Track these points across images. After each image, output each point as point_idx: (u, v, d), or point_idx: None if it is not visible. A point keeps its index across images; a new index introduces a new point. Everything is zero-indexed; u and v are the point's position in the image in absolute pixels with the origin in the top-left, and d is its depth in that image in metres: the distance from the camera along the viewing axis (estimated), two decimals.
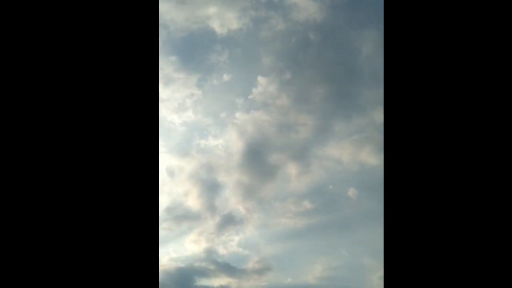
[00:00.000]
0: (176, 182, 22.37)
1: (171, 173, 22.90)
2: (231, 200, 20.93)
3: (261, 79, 20.78)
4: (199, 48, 22.29)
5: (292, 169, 18.18)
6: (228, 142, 21.92)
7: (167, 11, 20.50)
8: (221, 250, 18.84)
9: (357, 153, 17.90)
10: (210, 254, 20.38)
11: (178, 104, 22.48)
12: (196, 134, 23.07)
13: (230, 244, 18.80)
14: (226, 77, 21.64)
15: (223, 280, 18.07)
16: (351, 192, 17.36)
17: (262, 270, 16.92)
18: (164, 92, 22.19)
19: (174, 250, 21.89)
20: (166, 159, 22.06)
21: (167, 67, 21.87)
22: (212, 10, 18.70)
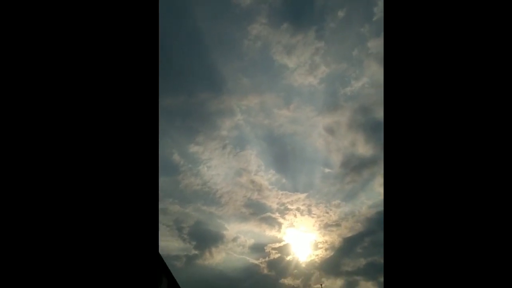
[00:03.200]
0: (339, 137, 21.64)
1: (330, 131, 21.85)
2: None
3: None
4: (302, 0, 19.78)
5: None
6: (372, 77, 19.95)
7: None
8: None
9: None
10: None
11: (308, 66, 21.08)
12: (338, 84, 21.47)
13: None
14: (340, 13, 18.98)
15: None
16: None
17: None
18: (291, 61, 20.70)
19: (367, 198, 21.84)
20: (320, 121, 20.97)
21: (283, 37, 20.24)
22: None
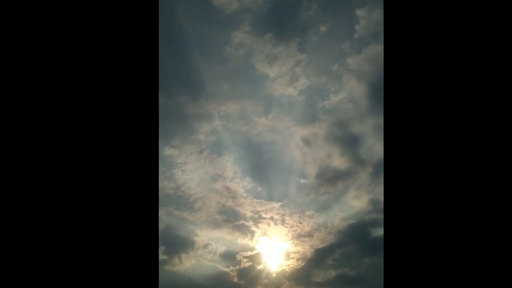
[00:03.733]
0: (315, 149, 21.91)
1: (307, 142, 22.32)
2: (376, 146, 19.73)
3: (360, 12, 18.32)
4: (286, 12, 20.70)
5: None
6: (351, 92, 20.54)
7: None
8: None
9: None
10: (376, 204, 19.68)
11: (289, 77, 21.65)
12: (317, 97, 22.14)
13: None
14: (323, 28, 19.88)
15: None
16: None
17: None
18: (272, 71, 21.41)
19: (340, 210, 21.85)
20: (298, 131, 21.53)
21: (266, 47, 20.90)
22: None
